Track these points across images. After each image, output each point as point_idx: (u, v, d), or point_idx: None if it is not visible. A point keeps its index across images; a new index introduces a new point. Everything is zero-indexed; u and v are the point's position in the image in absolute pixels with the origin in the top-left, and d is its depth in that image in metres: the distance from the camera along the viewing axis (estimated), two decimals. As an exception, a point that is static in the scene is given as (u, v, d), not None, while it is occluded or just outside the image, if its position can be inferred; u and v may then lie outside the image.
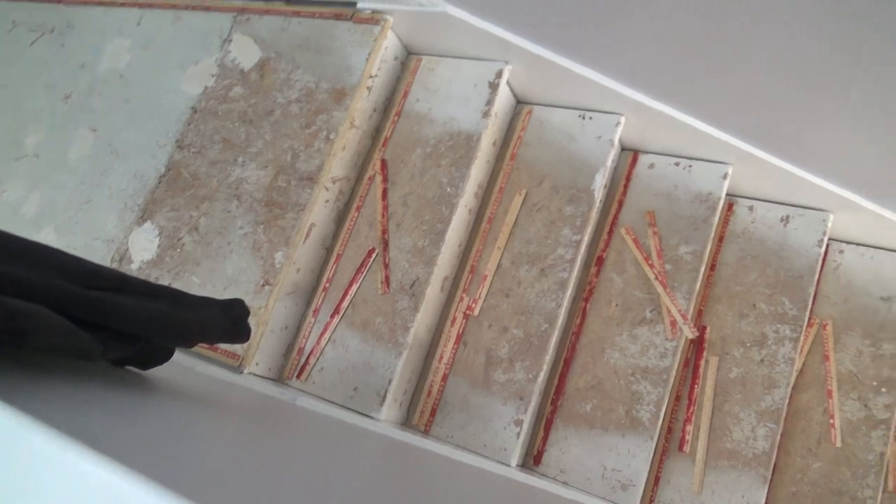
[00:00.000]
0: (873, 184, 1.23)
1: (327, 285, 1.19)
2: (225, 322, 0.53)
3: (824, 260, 1.41)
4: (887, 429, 1.29)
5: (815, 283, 1.32)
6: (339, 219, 1.24)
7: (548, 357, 1.16)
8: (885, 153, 1.08)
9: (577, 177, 1.25)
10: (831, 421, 1.31)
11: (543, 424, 1.24)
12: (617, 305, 1.27)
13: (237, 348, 1.08)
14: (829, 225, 1.32)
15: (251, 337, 0.86)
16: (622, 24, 1.05)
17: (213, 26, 1.38)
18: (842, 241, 1.42)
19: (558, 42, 1.19)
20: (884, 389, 1.31)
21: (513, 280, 1.22)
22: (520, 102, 1.37)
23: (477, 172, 1.24)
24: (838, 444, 1.30)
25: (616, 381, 1.23)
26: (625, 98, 1.21)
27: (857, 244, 1.41)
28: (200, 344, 0.64)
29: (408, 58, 1.35)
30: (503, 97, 1.27)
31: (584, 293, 1.30)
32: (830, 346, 1.36)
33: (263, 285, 1.10)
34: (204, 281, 1.16)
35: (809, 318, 1.38)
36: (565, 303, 1.19)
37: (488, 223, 1.28)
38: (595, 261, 1.32)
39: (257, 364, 1.12)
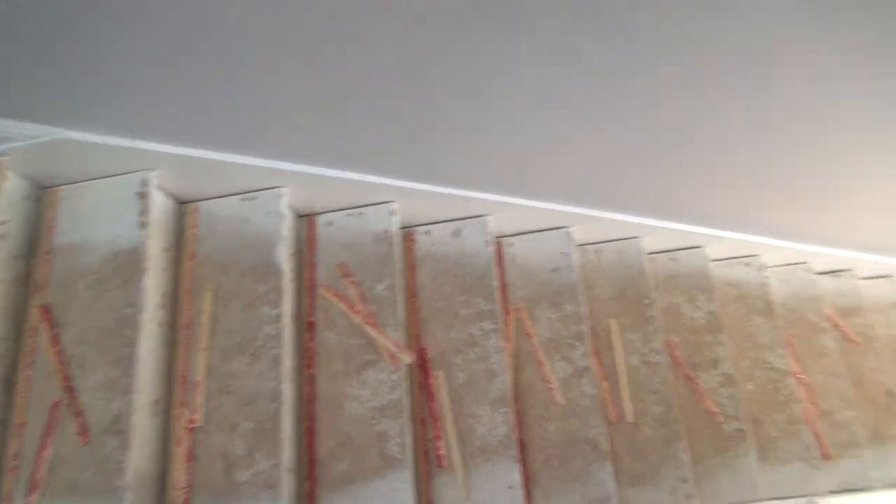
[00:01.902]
0: (507, 183, 1.51)
1: (14, 463, 1.08)
2: None
3: (501, 255, 1.69)
4: (591, 371, 1.58)
5: (496, 278, 1.58)
6: (8, 385, 1.14)
7: (285, 435, 1.21)
8: (489, 158, 1.35)
9: (260, 255, 1.33)
10: (549, 385, 1.57)
11: (307, 502, 1.27)
12: (339, 359, 1.37)
13: None
14: (490, 226, 1.58)
15: None
16: (255, 103, 1.13)
17: None
18: (509, 236, 1.72)
19: (197, 137, 1.26)
20: (577, 343, 1.61)
21: (228, 375, 1.25)
22: (183, 203, 1.41)
23: (155, 283, 1.24)
24: (562, 402, 1.56)
25: (361, 429, 1.32)
26: (281, 171, 1.32)
27: (520, 234, 1.71)
28: None
29: (44, 192, 1.31)
30: (159, 203, 1.30)
31: (306, 361, 1.38)
32: (529, 324, 1.62)
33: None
34: None
35: (506, 307, 1.64)
36: (286, 378, 1.25)
37: (187, 329, 1.29)
38: (306, 327, 1.41)
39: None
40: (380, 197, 1.47)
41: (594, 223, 1.70)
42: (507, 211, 1.58)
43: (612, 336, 1.74)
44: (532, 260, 1.70)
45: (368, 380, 1.36)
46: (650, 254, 1.94)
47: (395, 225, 1.47)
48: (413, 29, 0.87)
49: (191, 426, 1.22)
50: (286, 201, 1.38)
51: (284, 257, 1.34)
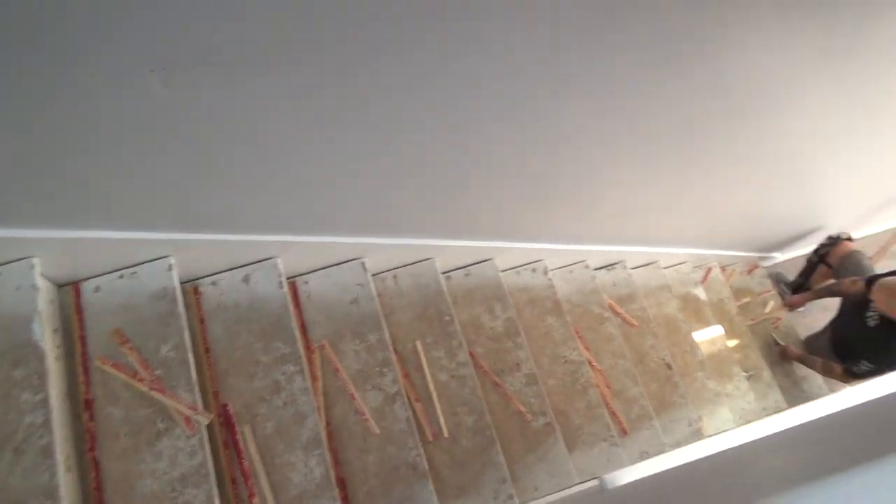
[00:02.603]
0: (292, 223, 1.51)
1: None
2: None
3: (296, 296, 1.69)
4: (402, 395, 1.63)
5: (295, 318, 1.57)
6: None
7: (66, 532, 1.08)
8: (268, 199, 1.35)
9: (12, 336, 1.19)
10: (364, 417, 1.59)
11: None
12: (126, 435, 1.27)
13: None
14: (281, 267, 1.57)
15: None
16: None
17: None
18: (303, 274, 1.72)
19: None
20: (385, 370, 1.65)
21: (-15, 480, 1.09)
22: None
23: None
24: (378, 431, 1.59)
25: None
26: (27, 240, 1.20)
27: (314, 271, 1.72)
28: None
29: None
30: None
31: (87, 444, 1.25)
32: (335, 360, 1.63)
33: None
34: None
35: (309, 346, 1.63)
36: (62, 468, 1.12)
37: (-76, 436, 1.10)
38: (84, 406, 1.28)
39: None
40: (153, 253, 1.39)
41: (386, 251, 1.77)
42: (295, 250, 1.59)
43: (419, 357, 1.81)
44: (329, 295, 1.71)
45: (164, 450, 1.27)
46: (445, 273, 2.06)
47: (175, 280, 1.40)
48: (159, 79, 0.85)
49: (-59, 550, 1.04)
50: (38, 272, 1.25)
51: (44, 334, 1.21)
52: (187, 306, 1.46)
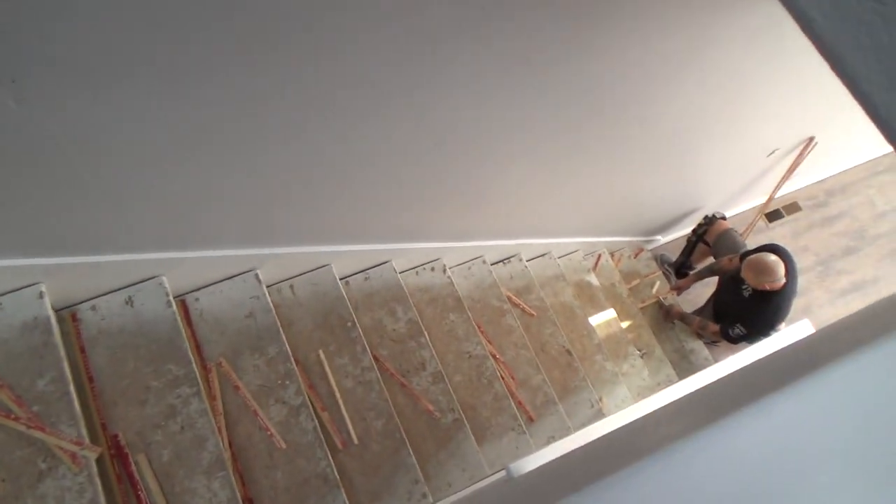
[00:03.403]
0: (174, 238, 1.45)
1: None
2: None
3: (187, 315, 1.62)
4: (307, 406, 1.61)
5: (188, 338, 1.51)
6: None
7: None
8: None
9: None
10: (268, 432, 1.56)
11: None
12: (4, 480, 1.18)
13: None
14: (168, 286, 1.51)
15: None
16: None
17: None
18: (192, 291, 1.66)
19: None
20: (288, 382, 1.62)
21: None
22: None
23: None
24: (284, 446, 1.56)
25: (49, 552, 1.15)
26: None
27: (204, 287, 1.67)
28: None
29: None
30: None
31: (-44, 495, 1.15)
32: (234, 377, 1.59)
33: None
34: None
35: (205, 366, 1.58)
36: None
37: None
38: (-50, 454, 1.17)
39: None
40: (19, 281, 1.30)
41: (279, 260, 1.74)
42: (182, 266, 1.53)
43: (322, 365, 1.80)
44: (224, 311, 1.66)
45: (48, 492, 1.19)
46: (343, 278, 2.06)
47: (47, 308, 1.31)
48: (10, 93, 0.80)
49: None
50: None
51: None
52: (64, 335, 1.37)
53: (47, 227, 1.16)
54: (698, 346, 3.57)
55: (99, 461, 1.27)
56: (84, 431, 1.25)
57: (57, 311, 1.37)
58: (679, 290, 3.55)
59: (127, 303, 1.48)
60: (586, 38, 1.30)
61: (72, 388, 1.28)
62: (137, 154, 1.02)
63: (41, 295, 1.31)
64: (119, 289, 1.49)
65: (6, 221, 1.08)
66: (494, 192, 2.07)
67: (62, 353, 1.30)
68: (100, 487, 1.22)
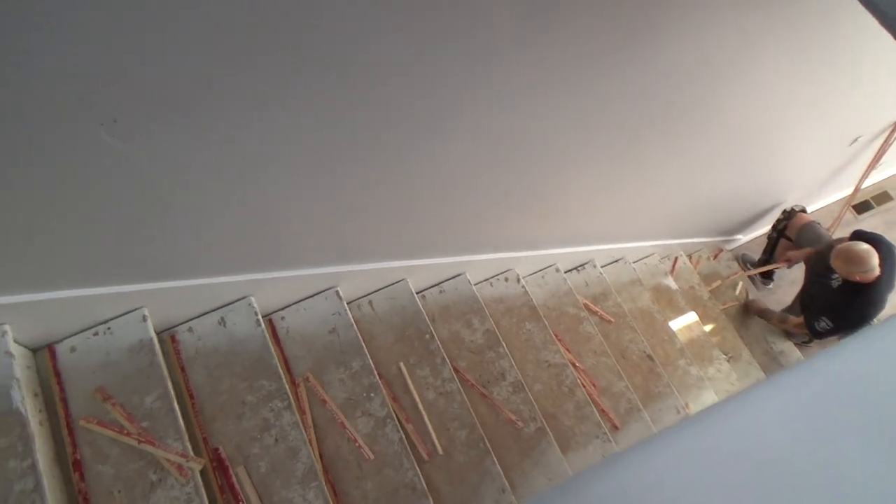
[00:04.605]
0: (261, 260, 1.54)
1: None
2: None
3: (275, 333, 1.71)
4: (392, 418, 1.65)
5: (276, 355, 1.59)
6: None
7: None
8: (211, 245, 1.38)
9: (-9, 406, 1.19)
10: (356, 444, 1.61)
11: None
12: (120, 491, 1.27)
13: None
14: (256, 305, 1.60)
15: None
16: None
17: None
18: (278, 311, 1.74)
19: None
20: (373, 394, 1.67)
21: (-20, 555, 1.09)
22: None
23: None
24: (372, 457, 1.61)
25: (163, 558, 1.23)
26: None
27: (289, 306, 1.75)
28: None
29: None
30: None
31: (80, 505, 1.25)
32: (321, 391, 1.65)
33: None
34: None
35: (294, 381, 1.65)
36: (56, 531, 1.12)
37: (-89, 519, 1.10)
38: (73, 467, 1.28)
39: None
40: (125, 306, 1.40)
41: (358, 277, 1.80)
42: (268, 287, 1.61)
43: (404, 378, 1.84)
44: (308, 328, 1.74)
45: (160, 502, 1.28)
46: (419, 292, 2.11)
47: (150, 331, 1.41)
48: (109, 132, 0.88)
49: None
50: (10, 339, 1.25)
51: (24, 400, 1.21)
52: (166, 355, 1.47)
53: (148, 255, 1.26)
54: (788, 348, 3.42)
55: (203, 473, 1.34)
56: (188, 445, 1.34)
57: (158, 333, 1.47)
58: (790, 262, 3.19)
59: (220, 323, 1.57)
60: (661, 32, 1.30)
61: (175, 404, 1.37)
62: (227, 182, 1.10)
63: (145, 318, 1.42)
64: (212, 310, 1.58)
65: (114, 252, 1.18)
66: (567, 200, 2.08)
67: (165, 372, 1.39)
68: (205, 497, 1.30)
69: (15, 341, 1.26)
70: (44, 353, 1.37)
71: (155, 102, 0.84)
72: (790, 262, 3.23)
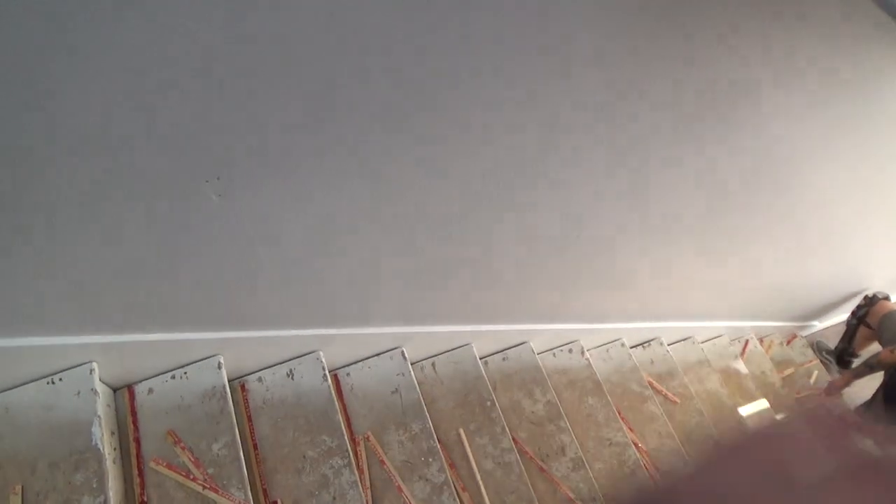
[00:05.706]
0: (332, 316, 1.58)
1: None
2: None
3: (339, 388, 1.73)
4: (449, 486, 1.63)
5: (339, 411, 1.61)
6: None
7: None
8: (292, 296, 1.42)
9: (73, 441, 1.24)
10: (412, 509, 1.59)
11: None
12: (181, 537, 1.29)
13: None
14: (324, 360, 1.63)
15: None
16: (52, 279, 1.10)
17: None
18: (344, 367, 1.77)
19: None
20: (431, 459, 1.66)
21: (47, 588, 1.12)
22: (-29, 400, 1.28)
23: (-57, 500, 1.11)
24: (427, 524, 1.58)
25: None
26: (88, 346, 1.27)
27: (355, 363, 1.77)
28: None
29: None
30: (-59, 406, 1.18)
31: (142, 547, 1.27)
32: (380, 451, 1.65)
33: None
34: None
35: (354, 438, 1.66)
36: (120, 571, 1.14)
37: (-12, 546, 1.14)
38: (139, 509, 1.31)
39: None
40: (203, 352, 1.46)
41: (424, 339, 1.82)
42: (337, 342, 1.65)
43: (463, 445, 1.82)
44: (371, 386, 1.75)
45: (218, 551, 1.29)
46: (482, 357, 2.10)
47: (223, 378, 1.46)
48: (213, 189, 0.95)
49: None
50: (97, 377, 1.32)
51: (101, 437, 1.26)
52: (235, 404, 1.51)
53: (230, 304, 1.32)
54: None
55: (261, 525, 1.35)
56: (249, 495, 1.35)
57: (230, 381, 1.51)
58: (831, 392, 2.96)
59: (288, 375, 1.61)
60: (743, 115, 1.31)
61: (241, 453, 1.39)
62: (315, 243, 1.15)
63: (219, 365, 1.46)
64: (282, 362, 1.62)
65: (199, 300, 1.24)
66: (636, 276, 2.06)
67: (234, 420, 1.43)
68: (262, 550, 1.30)
69: (100, 380, 1.32)
70: (123, 393, 1.43)
71: (253, 157, 0.90)
72: (833, 392, 2.91)
